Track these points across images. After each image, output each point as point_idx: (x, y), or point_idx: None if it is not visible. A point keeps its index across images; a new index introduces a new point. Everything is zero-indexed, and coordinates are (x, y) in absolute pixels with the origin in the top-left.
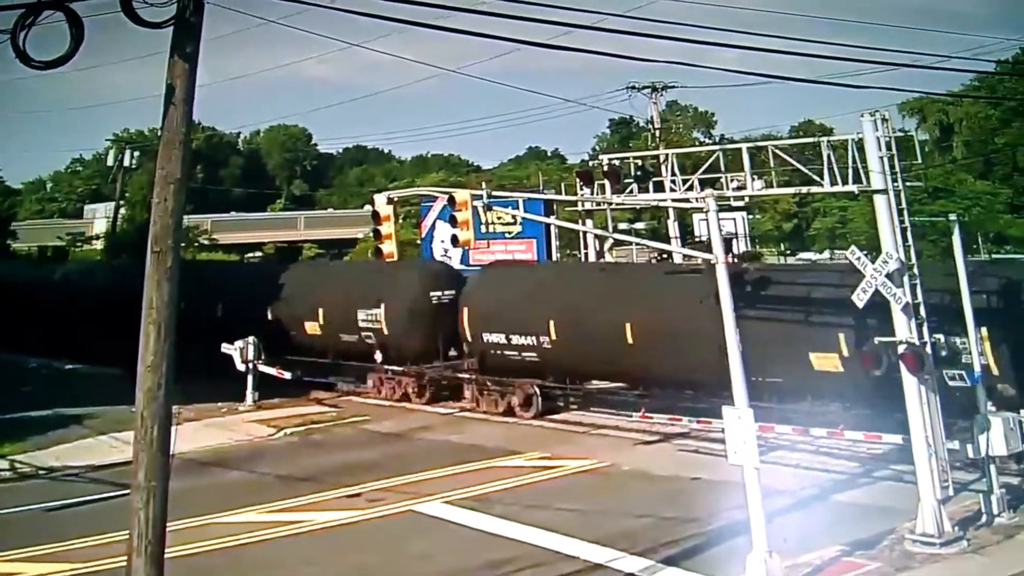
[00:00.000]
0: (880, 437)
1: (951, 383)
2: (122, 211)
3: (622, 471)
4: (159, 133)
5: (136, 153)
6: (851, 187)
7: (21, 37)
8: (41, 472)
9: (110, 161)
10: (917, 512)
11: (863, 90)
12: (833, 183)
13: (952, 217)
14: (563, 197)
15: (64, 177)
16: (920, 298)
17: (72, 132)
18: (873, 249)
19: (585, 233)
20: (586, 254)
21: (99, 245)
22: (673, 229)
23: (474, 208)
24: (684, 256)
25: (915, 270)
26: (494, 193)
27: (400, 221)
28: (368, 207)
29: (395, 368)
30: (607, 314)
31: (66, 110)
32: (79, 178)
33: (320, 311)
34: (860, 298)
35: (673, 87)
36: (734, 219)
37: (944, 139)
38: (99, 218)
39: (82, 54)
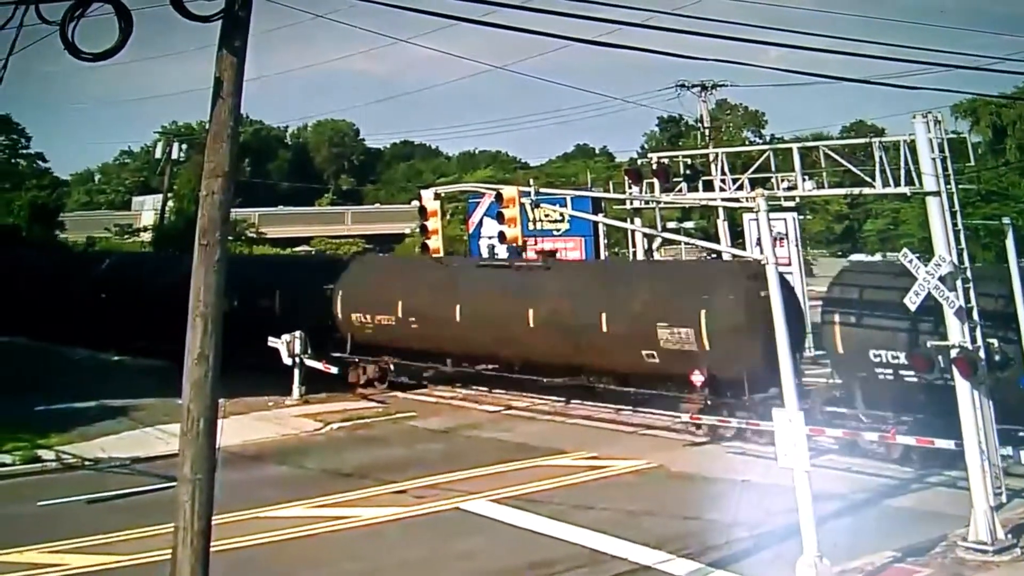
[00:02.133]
0: (933, 442)
1: None
2: (170, 203)
3: (670, 472)
4: (207, 126)
5: (184, 146)
6: (903, 189)
7: (70, 29)
8: (87, 463)
9: (158, 154)
10: (969, 519)
11: (915, 91)
12: (885, 184)
13: (1006, 220)
14: (611, 195)
15: (112, 169)
16: (973, 302)
17: (120, 124)
18: (925, 252)
19: (633, 232)
20: (634, 252)
21: (147, 237)
22: (723, 229)
23: (522, 205)
24: (733, 255)
25: (968, 273)
26: (542, 190)
27: (447, 217)
28: (415, 202)
29: None
30: (443, 299)
31: (115, 103)
32: (127, 170)
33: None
34: (912, 301)
35: (723, 86)
36: (784, 219)
37: (997, 141)
38: (147, 210)
39: (131, 47)
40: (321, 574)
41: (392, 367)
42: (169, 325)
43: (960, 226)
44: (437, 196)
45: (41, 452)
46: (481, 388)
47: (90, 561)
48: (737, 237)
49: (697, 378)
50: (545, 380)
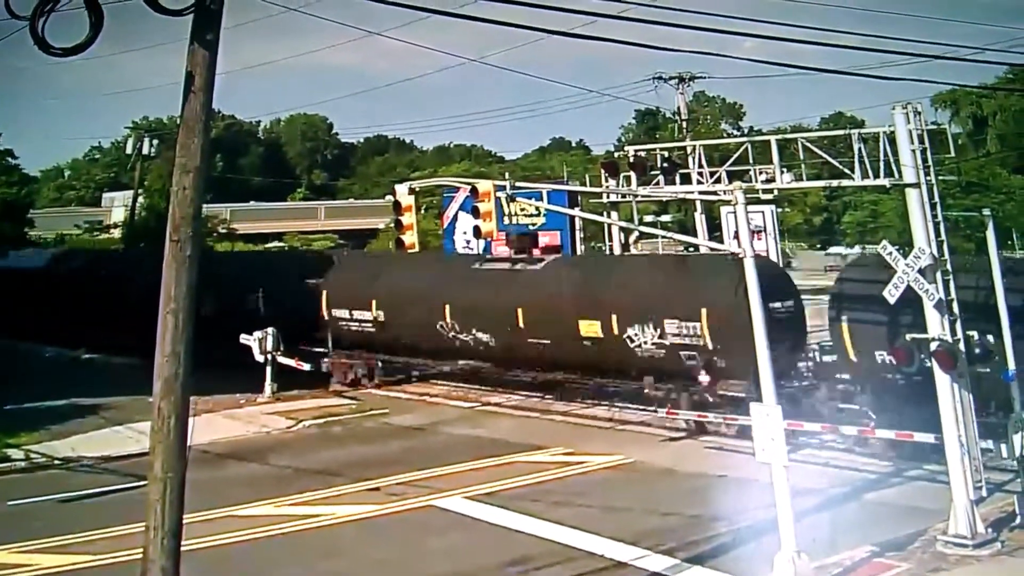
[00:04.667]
0: (912, 436)
1: None
2: (140, 199)
3: (647, 467)
4: (178, 121)
5: (155, 141)
6: (883, 181)
7: (40, 24)
8: (56, 462)
9: (129, 149)
10: (949, 513)
11: (895, 82)
12: (864, 176)
13: (986, 212)
14: (588, 189)
15: (82, 165)
16: (953, 294)
17: (91, 120)
18: (905, 244)
19: (610, 225)
20: (611, 246)
21: (117, 234)
22: (700, 222)
23: (497, 199)
24: (711, 249)
25: (948, 266)
26: (517, 184)
27: (422, 212)
28: (389, 197)
29: None
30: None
31: (85, 98)
32: (97, 166)
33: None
34: (892, 293)
35: (701, 78)
36: (762, 212)
37: (978, 132)
38: (117, 206)
39: (101, 41)
40: (295, 573)
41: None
42: (140, 322)
43: (940, 218)
44: (411, 191)
45: (10, 451)
46: (455, 384)
47: (61, 561)
48: (715, 230)
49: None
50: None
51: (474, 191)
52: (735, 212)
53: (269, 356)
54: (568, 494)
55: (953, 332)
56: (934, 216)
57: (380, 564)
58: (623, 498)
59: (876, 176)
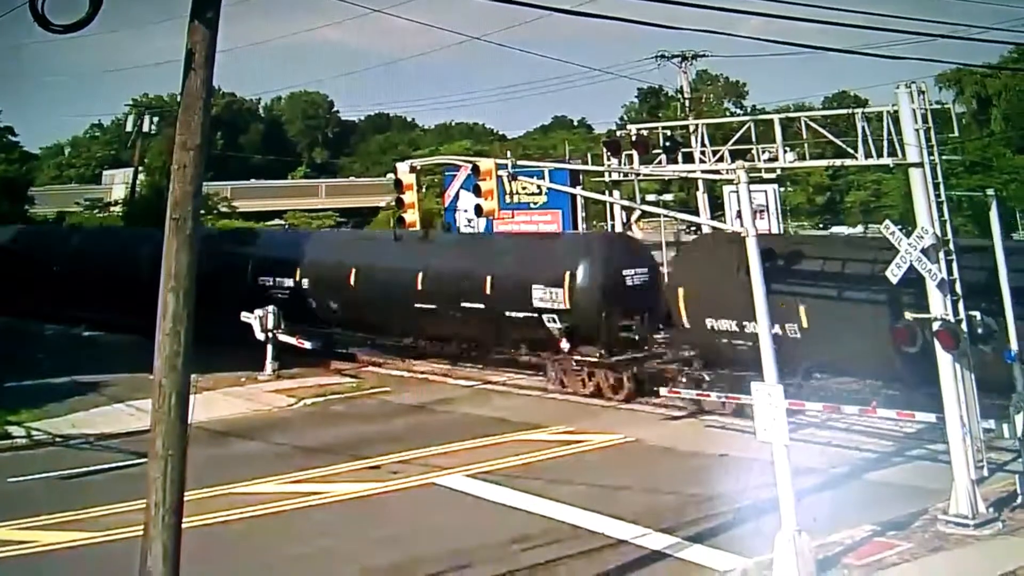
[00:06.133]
0: (913, 415)
1: None
2: (141, 177)
3: (648, 446)
4: (178, 99)
5: (155, 119)
6: (886, 160)
7: (40, 1)
8: (57, 439)
9: (129, 127)
10: (950, 492)
11: (899, 61)
12: (868, 156)
13: (989, 192)
14: (590, 167)
15: (82, 142)
16: (956, 274)
17: (91, 97)
18: (908, 223)
19: (612, 204)
20: (612, 226)
21: (118, 211)
22: (702, 201)
23: (499, 178)
24: (712, 228)
25: (951, 246)
26: (519, 163)
27: (423, 190)
28: (390, 175)
29: None
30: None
31: (85, 75)
32: (97, 143)
33: None
34: (894, 273)
35: (704, 56)
36: (765, 191)
37: (982, 112)
38: (117, 184)
39: (101, 18)
40: (295, 550)
41: None
42: (142, 300)
43: (943, 198)
44: (413, 169)
45: (11, 428)
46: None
47: (61, 538)
48: (717, 209)
49: None
50: None
51: (476, 170)
52: (737, 191)
53: (270, 334)
54: (568, 473)
55: (956, 312)
56: (937, 196)
57: (379, 541)
58: (623, 477)
59: (879, 155)
